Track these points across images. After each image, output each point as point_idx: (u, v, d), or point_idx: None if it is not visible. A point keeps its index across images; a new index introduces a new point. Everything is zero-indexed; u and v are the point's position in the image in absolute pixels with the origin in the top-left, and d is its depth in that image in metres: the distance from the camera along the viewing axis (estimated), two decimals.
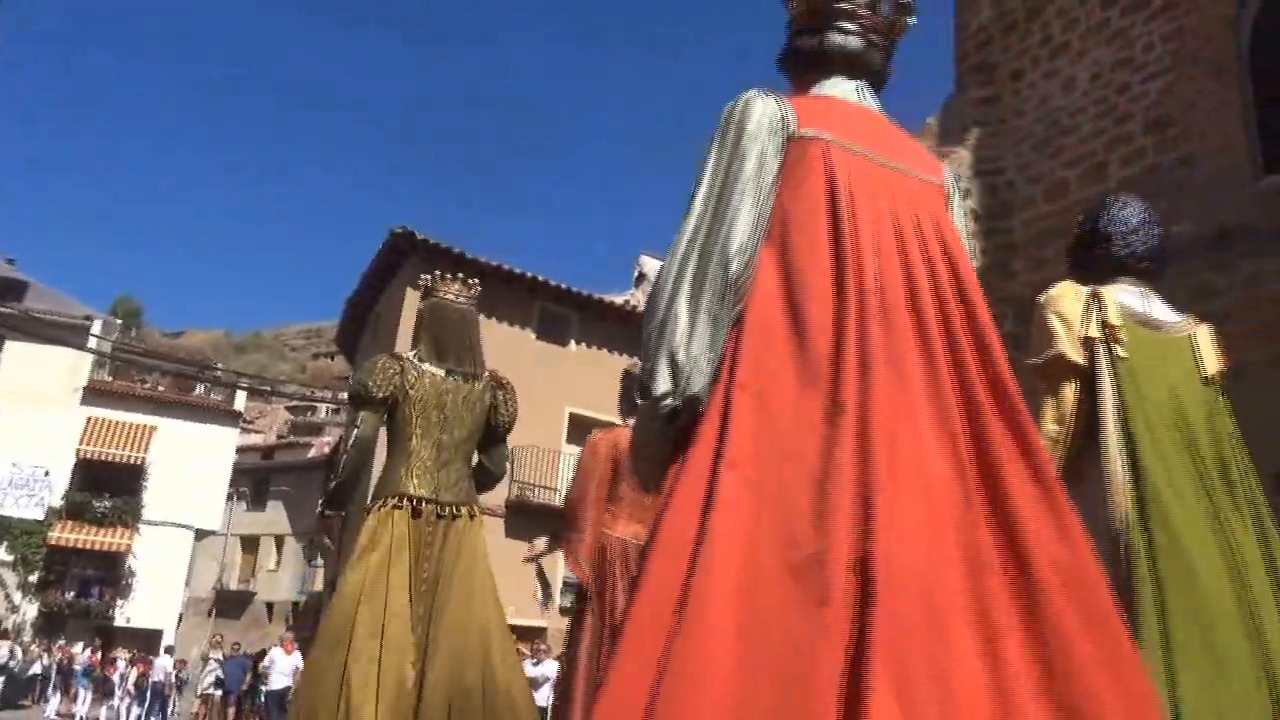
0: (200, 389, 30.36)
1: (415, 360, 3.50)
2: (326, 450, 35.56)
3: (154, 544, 24.76)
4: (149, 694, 18.02)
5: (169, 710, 18.11)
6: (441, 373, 3.51)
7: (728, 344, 1.50)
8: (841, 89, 1.80)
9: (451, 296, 3.72)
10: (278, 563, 35.56)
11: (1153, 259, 2.39)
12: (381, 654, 3.04)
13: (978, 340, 1.56)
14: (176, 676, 18.91)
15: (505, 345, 16.54)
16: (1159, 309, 2.30)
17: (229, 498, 30.03)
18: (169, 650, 20.39)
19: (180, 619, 27.25)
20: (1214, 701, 1.78)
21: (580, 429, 18.84)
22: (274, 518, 35.70)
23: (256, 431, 49.36)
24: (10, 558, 23.84)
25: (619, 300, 21.98)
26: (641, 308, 22.40)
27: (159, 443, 25.75)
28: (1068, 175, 12.76)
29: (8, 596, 23.60)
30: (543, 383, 16.50)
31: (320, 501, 3.53)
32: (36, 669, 19.23)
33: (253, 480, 36.51)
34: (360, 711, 2.93)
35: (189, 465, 25.61)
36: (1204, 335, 2.31)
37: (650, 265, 24.01)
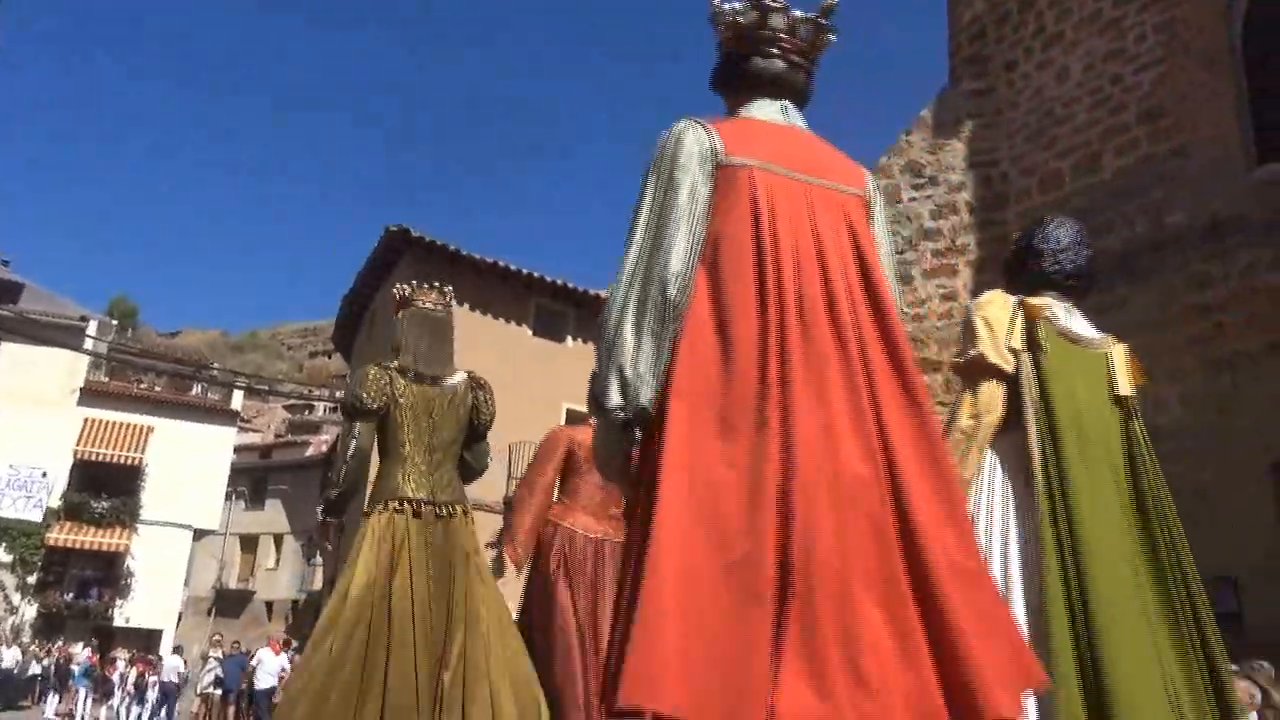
0: (197, 389, 30.33)
1: (400, 369, 3.63)
2: (324, 449, 35.57)
3: (152, 544, 24.75)
4: (157, 693, 18.03)
5: (174, 709, 18.12)
6: (427, 379, 3.65)
7: (670, 361, 1.67)
8: (767, 110, 1.96)
9: (430, 305, 3.87)
10: (277, 561, 35.57)
11: (1080, 277, 2.55)
12: (388, 653, 3.12)
13: (889, 343, 1.74)
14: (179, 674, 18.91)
15: (501, 342, 16.55)
16: (1080, 324, 2.44)
17: (227, 497, 30.01)
18: (177, 650, 20.36)
19: (180, 618, 27.26)
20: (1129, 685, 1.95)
21: (577, 425, 18.83)
22: (273, 516, 35.70)
23: (254, 431, 49.33)
24: (8, 559, 23.82)
25: None
26: None
27: (156, 443, 25.72)
28: (1061, 166, 12.76)
29: (6, 598, 23.58)
30: (539, 379, 16.50)
31: (320, 510, 3.66)
32: (35, 669, 19.23)
33: (251, 479, 36.51)
34: (358, 709, 3.00)
35: (186, 465, 25.59)
36: (1120, 355, 2.48)
37: None
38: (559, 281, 18.72)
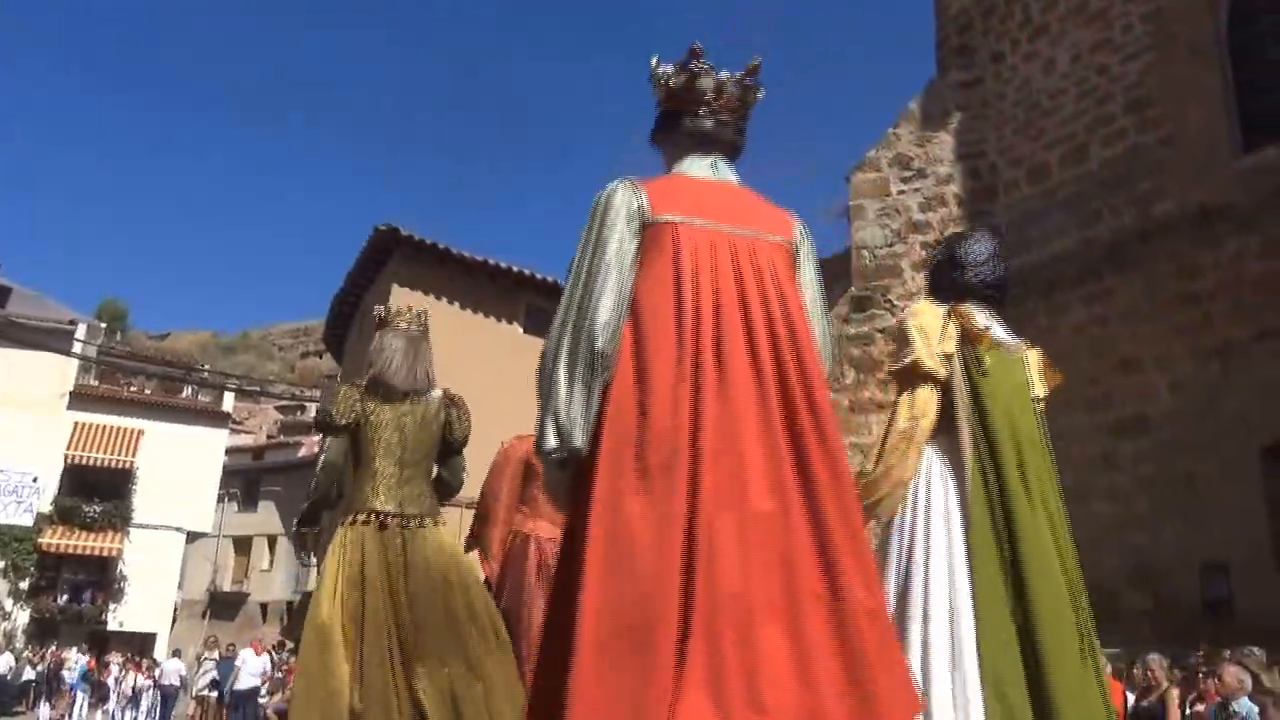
0: (188, 391, 30.22)
1: (371, 386, 3.80)
2: (316, 450, 35.47)
3: (145, 547, 24.66)
4: (156, 697, 17.97)
5: (172, 713, 18.08)
6: (399, 396, 3.79)
7: (600, 406, 1.83)
8: (697, 165, 2.12)
9: (404, 325, 4.03)
10: (271, 563, 35.48)
11: (997, 288, 2.73)
12: (361, 662, 3.30)
13: (805, 384, 1.87)
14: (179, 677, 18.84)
15: (492, 340, 16.51)
16: (1000, 331, 2.61)
17: (220, 499, 29.91)
18: (176, 654, 20.27)
19: (174, 622, 27.17)
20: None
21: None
22: (266, 518, 35.58)
23: (246, 432, 49.13)
24: (1, 564, 23.72)
25: None
26: None
27: (147, 446, 25.61)
28: (1049, 157, 12.79)
29: None
30: (530, 377, 16.43)
31: (295, 521, 3.89)
32: (30, 675, 19.16)
33: (243, 481, 36.39)
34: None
35: (178, 468, 25.49)
36: (1034, 359, 2.64)
37: None
38: (549, 279, 18.66)
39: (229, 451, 30.32)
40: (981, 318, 2.58)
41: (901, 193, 14.10)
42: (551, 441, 1.85)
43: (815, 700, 1.59)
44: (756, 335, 1.87)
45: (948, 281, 2.71)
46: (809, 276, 2.15)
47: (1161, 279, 10.95)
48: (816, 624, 1.66)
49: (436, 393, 3.88)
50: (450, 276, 17.01)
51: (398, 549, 3.55)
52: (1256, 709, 5.55)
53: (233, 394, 29.38)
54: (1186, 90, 11.28)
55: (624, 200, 1.96)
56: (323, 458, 3.73)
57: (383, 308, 4.14)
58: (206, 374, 35.27)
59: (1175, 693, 6.37)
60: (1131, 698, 6.62)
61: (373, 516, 3.59)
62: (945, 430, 2.42)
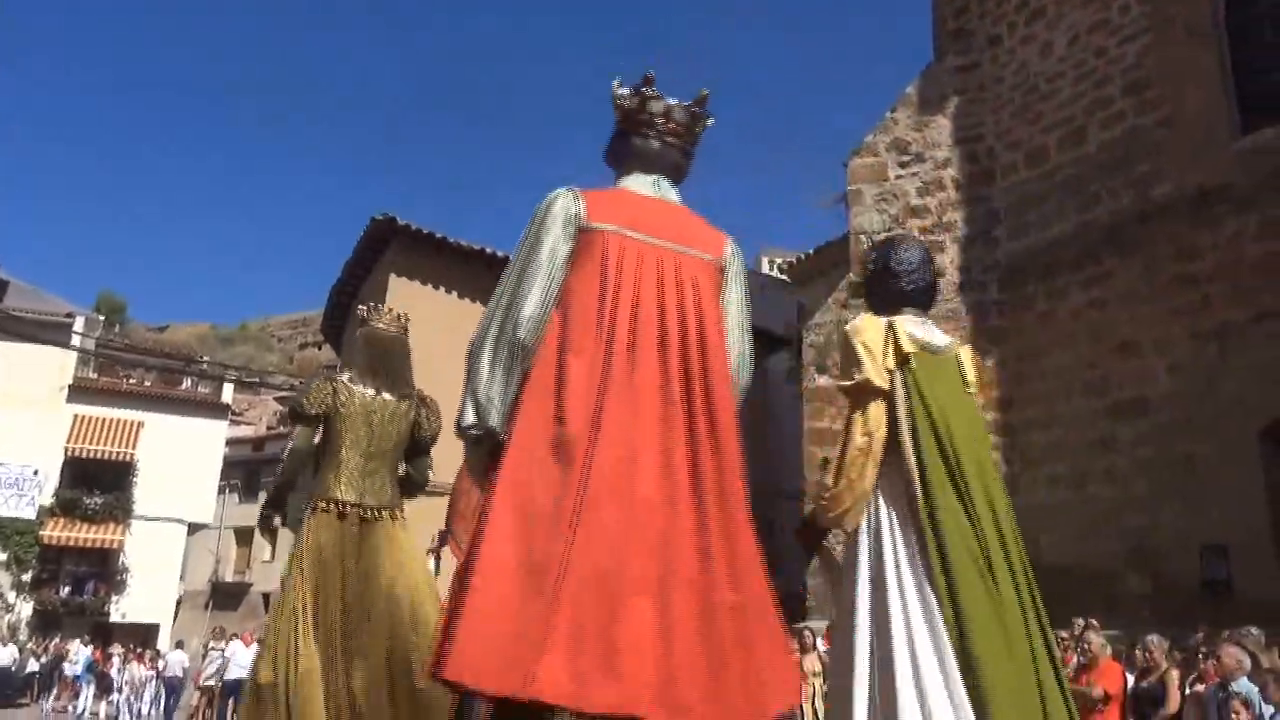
0: (187, 383, 30.21)
1: (348, 381, 3.99)
2: (317, 440, 35.37)
3: (147, 539, 24.72)
4: (161, 687, 17.99)
5: (178, 703, 18.14)
6: (371, 392, 3.99)
7: (519, 391, 1.98)
8: (639, 182, 2.30)
9: (383, 326, 4.18)
10: (272, 554, 35.54)
11: (928, 293, 2.91)
12: (317, 655, 3.48)
13: (707, 389, 2.04)
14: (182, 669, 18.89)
15: None
16: (934, 334, 2.76)
17: (221, 490, 29.95)
18: (180, 645, 20.31)
19: (176, 613, 27.24)
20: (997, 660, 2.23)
21: None
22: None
23: (246, 423, 49.12)
24: (3, 557, 23.77)
25: None
26: None
27: (147, 438, 25.64)
28: (1047, 140, 12.76)
29: (1, 596, 23.54)
30: None
31: (261, 506, 4.11)
32: (33, 666, 19.23)
33: (244, 472, 36.41)
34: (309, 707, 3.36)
35: (179, 459, 25.52)
36: (966, 355, 2.80)
37: None
38: None
39: (229, 443, 30.33)
40: (917, 325, 2.74)
41: (899, 177, 14.06)
42: (469, 419, 2.00)
43: (671, 674, 1.77)
44: (668, 341, 2.05)
45: (882, 289, 2.86)
46: (735, 295, 2.31)
47: (1160, 261, 10.94)
48: (685, 608, 1.84)
49: (411, 393, 4.06)
50: (447, 265, 16.97)
51: (353, 537, 3.72)
52: (1256, 689, 5.58)
53: (232, 385, 29.37)
54: (1184, 72, 11.24)
55: (563, 206, 2.14)
56: (290, 445, 3.95)
57: (364, 307, 4.30)
58: (205, 366, 35.26)
59: (1175, 674, 6.40)
60: (1131, 679, 6.65)
61: (332, 505, 3.76)
62: (890, 440, 2.57)
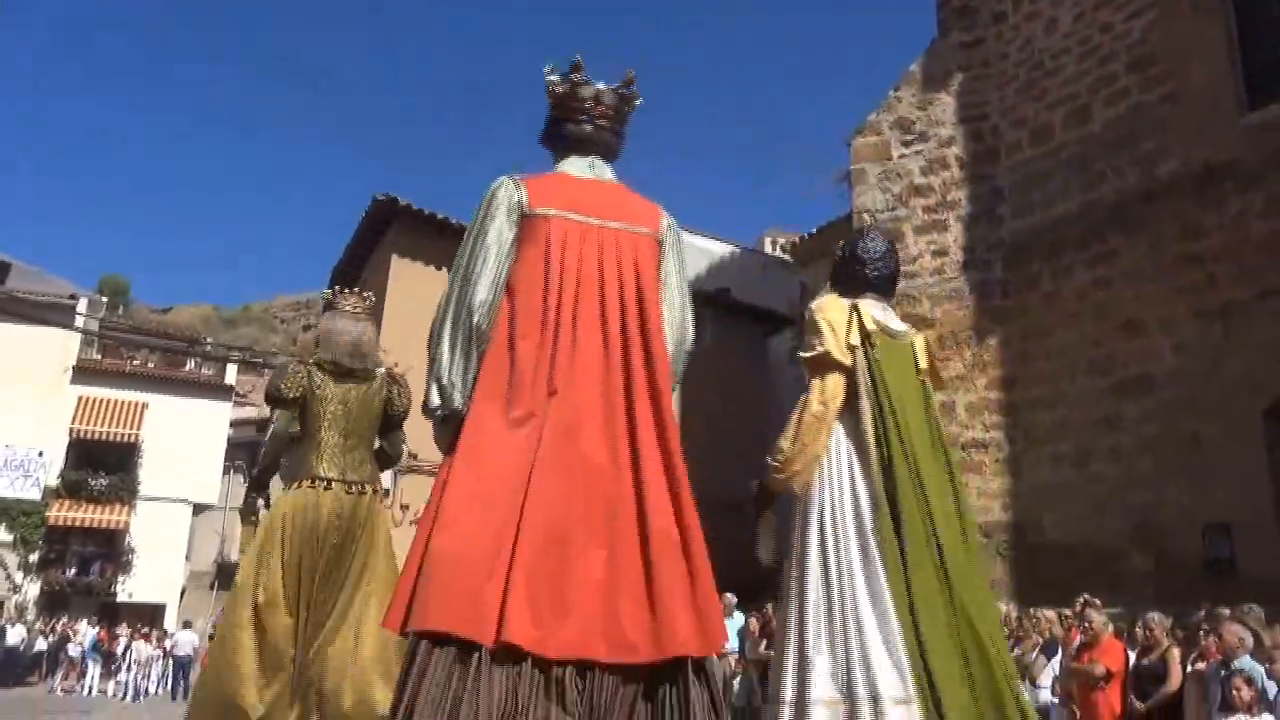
0: (191, 364, 30.23)
1: (319, 363, 4.20)
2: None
3: (152, 520, 24.81)
4: (168, 667, 18.11)
5: (189, 683, 18.28)
6: (344, 372, 4.21)
7: (478, 371, 2.14)
8: (575, 165, 2.45)
9: (349, 308, 4.39)
10: None
11: (890, 281, 3.13)
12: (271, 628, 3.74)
13: (647, 354, 2.21)
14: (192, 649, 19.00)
15: None
16: (893, 320, 2.97)
17: (226, 471, 30.02)
18: (188, 625, 20.40)
19: (183, 593, 27.38)
20: (934, 618, 2.44)
21: None
22: (272, 489, 35.71)
23: (250, 405, 49.27)
24: (9, 538, 23.88)
25: None
26: None
27: (152, 419, 25.69)
28: (1052, 118, 12.66)
29: (9, 577, 23.66)
30: None
31: (246, 491, 4.30)
32: (41, 646, 19.37)
33: (249, 453, 36.41)
34: (243, 678, 3.66)
35: (183, 440, 25.57)
36: (920, 342, 3.00)
37: None
38: None
39: (233, 424, 30.37)
40: (878, 310, 2.94)
41: (903, 156, 13.97)
42: (435, 400, 2.15)
43: (618, 616, 1.97)
44: (609, 313, 2.22)
45: (848, 276, 3.08)
46: (672, 264, 2.45)
47: (1165, 240, 10.88)
48: (630, 554, 2.03)
49: (380, 371, 4.27)
50: (449, 246, 16.77)
51: (334, 510, 3.97)
52: (1262, 668, 5.58)
53: (235, 367, 29.37)
54: (1190, 47, 11.13)
55: (505, 195, 2.28)
56: (272, 429, 4.13)
57: (329, 291, 4.53)
58: (209, 347, 35.28)
59: (1177, 652, 6.40)
60: (1133, 656, 6.66)
61: (316, 481, 4.02)
62: (849, 411, 2.79)
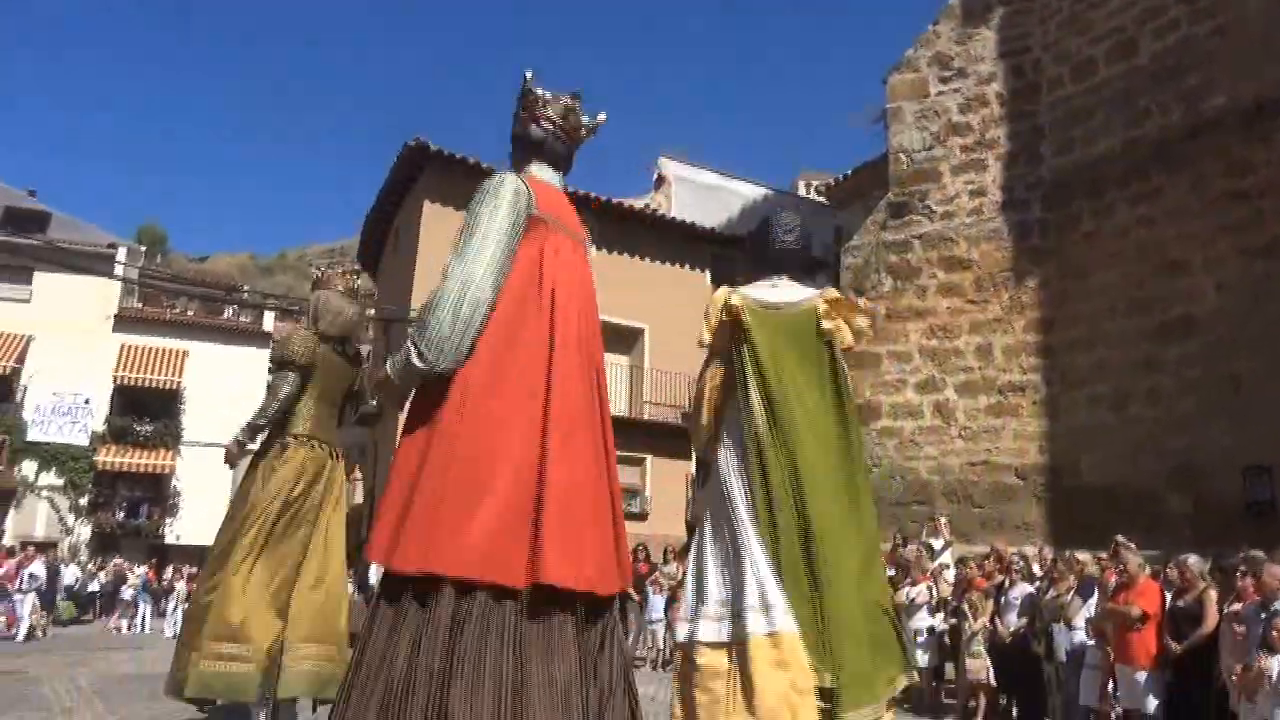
0: (229, 312, 30.61)
1: (319, 334, 4.70)
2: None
3: (196, 464, 25.36)
4: None
5: None
6: (334, 345, 4.72)
7: (475, 341, 2.29)
8: (546, 173, 2.65)
9: (342, 287, 4.84)
10: None
11: (796, 256, 3.34)
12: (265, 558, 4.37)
13: (598, 352, 2.60)
14: None
15: None
16: (788, 293, 3.18)
17: None
18: None
19: None
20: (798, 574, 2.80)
21: (608, 336, 18.81)
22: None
23: None
24: (60, 482, 24.57)
25: (638, 205, 21.75)
26: (662, 211, 21.83)
27: (192, 366, 26.15)
28: (1095, 52, 12.31)
29: (62, 519, 24.42)
30: None
31: (238, 435, 4.64)
32: (94, 586, 20.00)
33: None
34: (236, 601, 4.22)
35: (223, 387, 26.00)
36: (822, 305, 3.15)
37: (670, 168, 23.61)
38: (581, 192, 18.55)
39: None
40: (766, 289, 3.19)
41: (941, 94, 13.68)
42: (430, 360, 2.24)
43: (608, 553, 2.37)
44: (582, 317, 2.50)
45: (757, 257, 3.32)
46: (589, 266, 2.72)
47: (1209, 177, 10.61)
48: (608, 511, 2.43)
49: (365, 348, 4.63)
50: None
51: (319, 467, 4.53)
52: None
53: (273, 314, 29.69)
54: None
55: (520, 192, 2.43)
56: (284, 390, 4.49)
57: (319, 269, 4.98)
58: (246, 295, 35.65)
59: (1213, 593, 6.39)
60: (1169, 597, 6.66)
61: (312, 441, 4.55)
62: (735, 389, 3.09)
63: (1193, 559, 6.71)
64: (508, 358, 2.30)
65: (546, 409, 2.29)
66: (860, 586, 2.85)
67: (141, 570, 19.70)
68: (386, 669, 2.07)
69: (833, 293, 3.21)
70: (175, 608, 17.06)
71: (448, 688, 2.00)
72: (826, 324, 3.11)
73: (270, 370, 4.33)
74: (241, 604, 4.20)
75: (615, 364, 18.70)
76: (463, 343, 2.26)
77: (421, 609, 2.10)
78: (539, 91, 2.67)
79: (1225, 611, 6.17)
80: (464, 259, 2.31)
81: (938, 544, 10.04)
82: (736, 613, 2.78)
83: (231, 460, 4.84)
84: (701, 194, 23.05)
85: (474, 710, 1.99)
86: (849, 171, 19.38)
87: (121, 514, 25.42)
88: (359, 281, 5.02)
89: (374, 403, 4.89)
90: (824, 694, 2.66)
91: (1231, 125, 10.51)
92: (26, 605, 14.05)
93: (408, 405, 2.40)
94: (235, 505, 4.62)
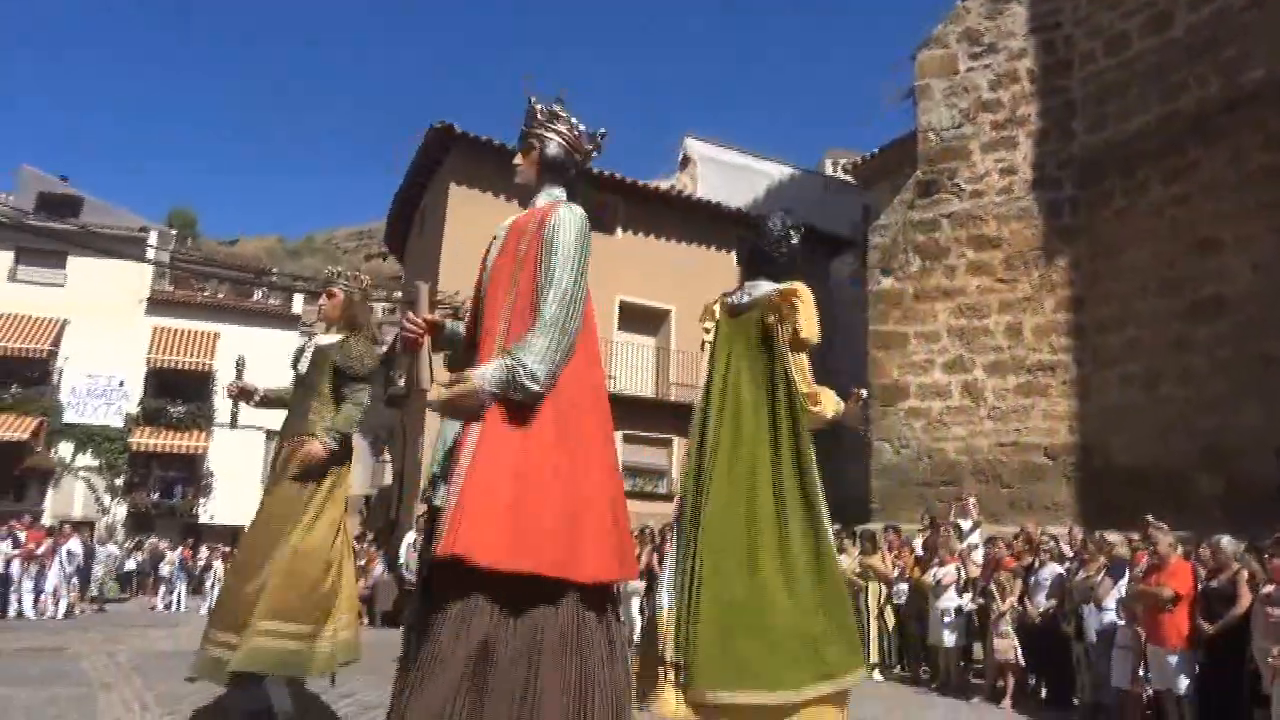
0: (258, 295, 30.89)
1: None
2: (383, 349, 36.02)
3: (229, 445, 25.68)
4: None
5: None
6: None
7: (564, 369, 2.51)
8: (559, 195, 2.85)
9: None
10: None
11: (772, 259, 3.59)
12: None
13: None
14: None
15: None
16: (752, 295, 3.48)
17: None
18: None
19: None
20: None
21: (631, 317, 18.84)
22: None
23: (316, 334, 50.33)
24: (96, 463, 25.01)
25: (664, 185, 21.66)
26: (687, 192, 21.64)
27: (224, 348, 26.46)
28: (1128, 26, 12.10)
29: (98, 499, 24.88)
30: (591, 273, 16.44)
31: (330, 437, 5.04)
32: (131, 565, 20.37)
33: None
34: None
35: (255, 369, 26.10)
36: (764, 304, 3.39)
37: (696, 149, 23.47)
38: (606, 173, 18.50)
39: None
40: (745, 290, 3.52)
41: (970, 70, 13.51)
42: (545, 384, 2.43)
43: (620, 545, 2.54)
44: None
45: (748, 261, 3.65)
46: None
47: (1247, 152, 10.42)
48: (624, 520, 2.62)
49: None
50: (509, 172, 16.92)
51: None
52: None
53: (302, 297, 29.93)
54: None
55: (589, 229, 2.69)
56: (366, 402, 5.07)
57: (342, 276, 5.44)
58: (275, 278, 35.95)
59: (1245, 573, 6.33)
60: (1203, 574, 6.61)
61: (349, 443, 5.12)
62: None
63: (1225, 540, 6.64)
64: (586, 376, 2.57)
65: (602, 420, 2.59)
66: (747, 579, 3.06)
67: (177, 551, 20.04)
68: (510, 667, 2.23)
69: (789, 289, 3.37)
70: (212, 585, 17.37)
71: (588, 695, 2.27)
72: (768, 319, 3.37)
73: (337, 377, 4.46)
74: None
75: (642, 345, 18.69)
76: (564, 366, 2.48)
77: (550, 608, 2.31)
78: (573, 120, 2.87)
79: (1259, 593, 6.11)
80: (564, 291, 2.54)
81: (966, 524, 10.00)
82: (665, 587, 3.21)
83: (316, 461, 4.94)
84: (728, 174, 22.92)
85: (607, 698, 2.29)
86: (876, 150, 19.20)
87: (156, 494, 25.85)
88: (367, 284, 5.58)
89: (401, 384, 5.38)
90: (678, 669, 3.00)
91: (1269, 98, 10.31)
92: (63, 582, 14.33)
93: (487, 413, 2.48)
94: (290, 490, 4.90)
